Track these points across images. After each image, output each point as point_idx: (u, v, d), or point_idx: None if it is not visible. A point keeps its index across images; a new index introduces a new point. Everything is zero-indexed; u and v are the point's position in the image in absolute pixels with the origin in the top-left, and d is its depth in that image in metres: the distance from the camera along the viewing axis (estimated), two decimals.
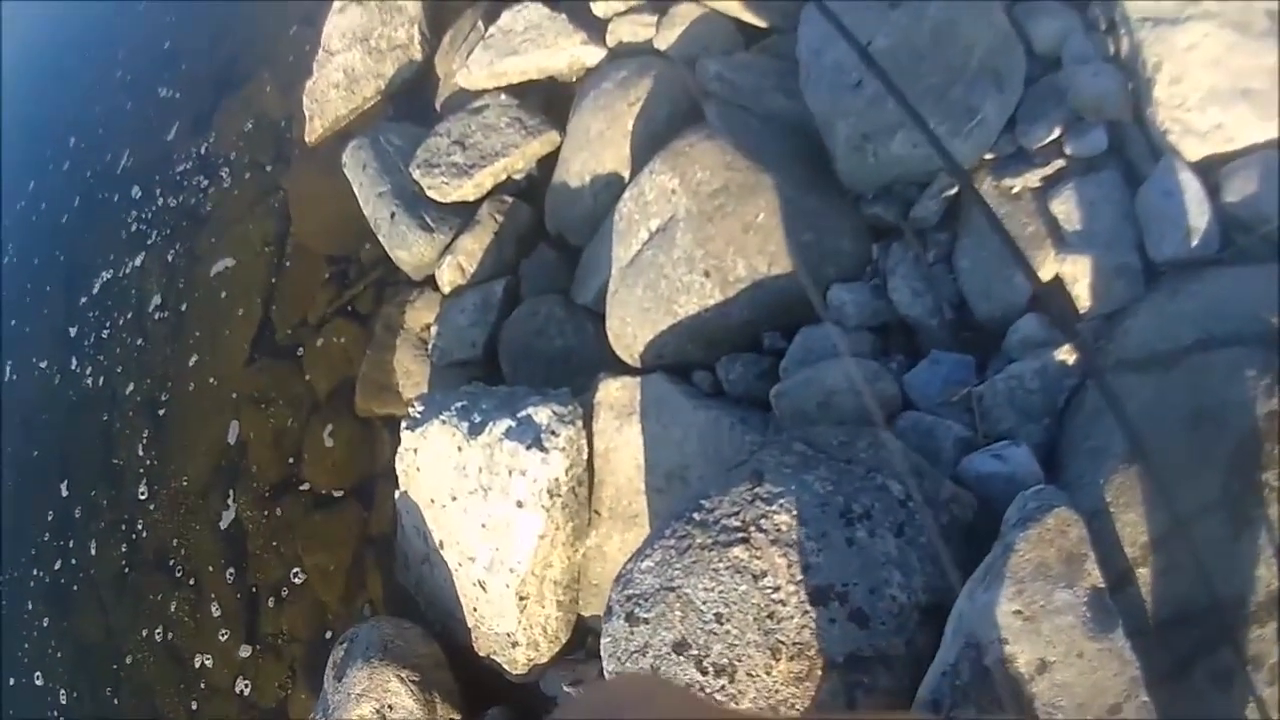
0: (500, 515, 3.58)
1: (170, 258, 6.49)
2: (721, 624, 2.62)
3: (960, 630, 2.33)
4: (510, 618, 3.64)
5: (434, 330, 4.77)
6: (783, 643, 2.55)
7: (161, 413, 5.84)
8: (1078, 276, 3.08)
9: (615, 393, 3.71)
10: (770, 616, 2.58)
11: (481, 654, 3.89)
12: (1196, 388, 2.60)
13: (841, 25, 2.90)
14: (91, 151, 7.92)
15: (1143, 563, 2.46)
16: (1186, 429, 2.55)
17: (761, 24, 4.30)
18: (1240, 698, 2.27)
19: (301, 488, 4.98)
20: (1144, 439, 2.33)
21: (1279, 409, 2.46)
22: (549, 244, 4.73)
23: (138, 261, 6.70)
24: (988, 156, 3.40)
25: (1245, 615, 2.31)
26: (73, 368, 6.68)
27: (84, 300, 6.93)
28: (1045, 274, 3.13)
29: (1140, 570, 2.46)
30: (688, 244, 3.61)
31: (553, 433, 3.56)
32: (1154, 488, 2.49)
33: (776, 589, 2.60)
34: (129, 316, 6.49)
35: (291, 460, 5.07)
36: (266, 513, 5.02)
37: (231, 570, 5.05)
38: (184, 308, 6.17)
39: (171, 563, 5.34)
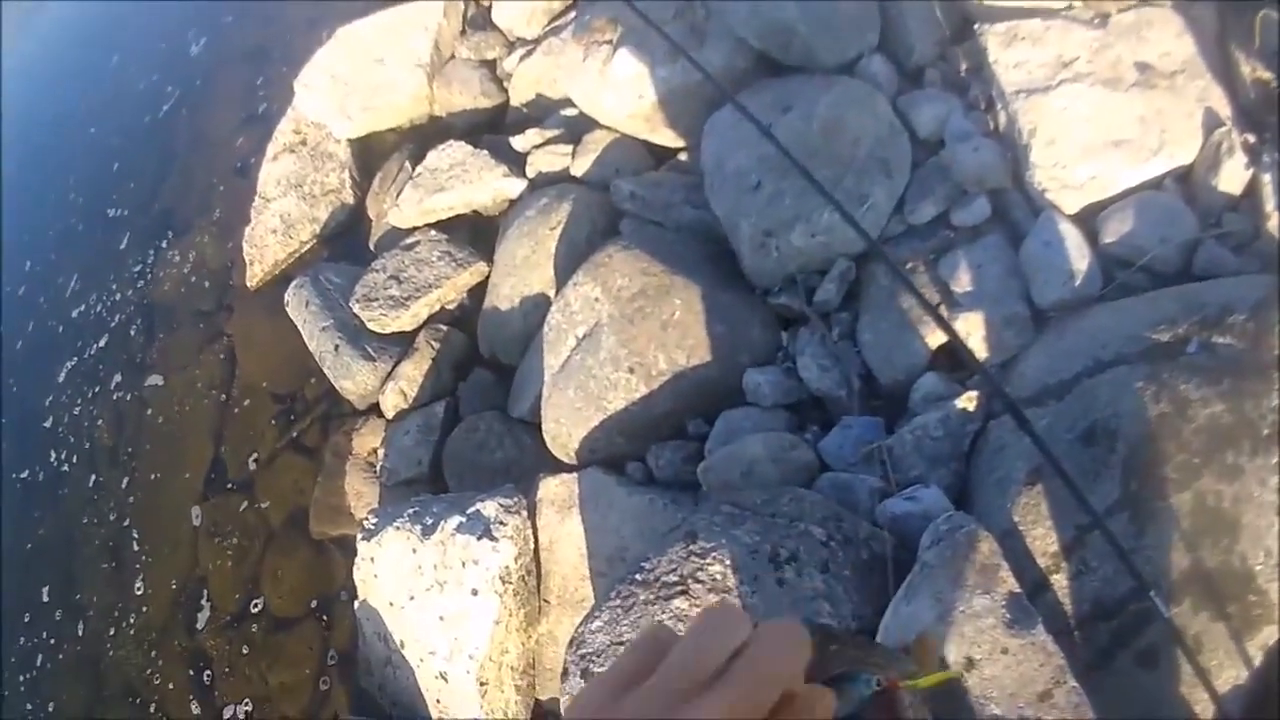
0: (457, 605, 3.52)
1: (119, 403, 6.37)
2: None
3: (888, 640, 2.32)
4: (473, 704, 3.53)
5: (381, 453, 4.71)
6: None
7: (120, 552, 5.66)
8: (971, 332, 3.12)
9: (555, 489, 3.70)
10: None
11: None
12: (1088, 409, 2.64)
13: (745, 110, 2.98)
14: (44, 286, 7.74)
15: (1056, 570, 2.47)
16: (1083, 446, 2.58)
17: (669, 144, 4.40)
18: (1168, 672, 2.27)
19: (262, 612, 4.84)
20: (1050, 452, 2.35)
21: (1169, 410, 2.50)
22: (484, 366, 4.73)
23: (89, 408, 6.55)
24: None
25: (1165, 596, 2.32)
26: (31, 511, 6.46)
27: (33, 443, 6.73)
28: (942, 336, 3.18)
29: (1055, 576, 2.46)
30: (612, 345, 3.64)
31: (500, 523, 3.54)
32: (1061, 498, 2.52)
33: None
34: (81, 460, 6.33)
35: (250, 587, 4.93)
36: (229, 639, 4.86)
37: (197, 698, 4.87)
38: (134, 451, 6.01)
39: (138, 698, 5.14)
